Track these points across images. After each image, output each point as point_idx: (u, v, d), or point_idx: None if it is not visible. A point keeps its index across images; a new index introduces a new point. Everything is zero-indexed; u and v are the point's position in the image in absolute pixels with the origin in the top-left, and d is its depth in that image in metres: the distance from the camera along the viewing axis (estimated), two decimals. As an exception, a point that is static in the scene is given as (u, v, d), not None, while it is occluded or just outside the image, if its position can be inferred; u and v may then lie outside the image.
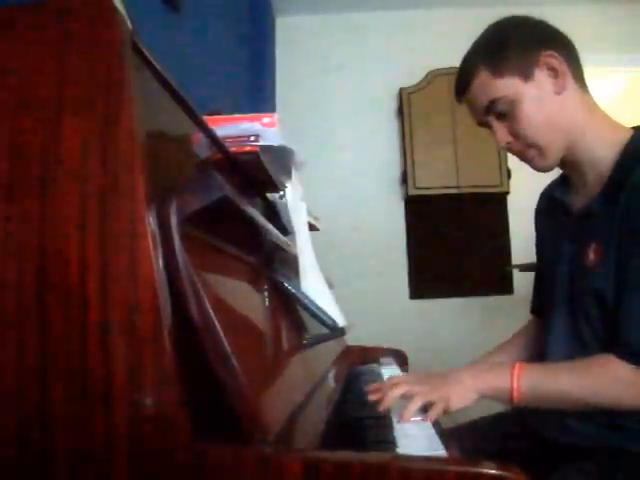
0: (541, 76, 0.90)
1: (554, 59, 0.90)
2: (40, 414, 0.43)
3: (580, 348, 0.92)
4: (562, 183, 1.04)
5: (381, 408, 0.83)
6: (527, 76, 0.90)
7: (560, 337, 0.96)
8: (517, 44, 0.91)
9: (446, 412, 0.82)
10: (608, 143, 0.91)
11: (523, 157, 0.96)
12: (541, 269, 1.13)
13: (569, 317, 0.94)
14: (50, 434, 0.43)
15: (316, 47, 3.31)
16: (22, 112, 0.47)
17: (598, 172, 0.91)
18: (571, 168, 0.97)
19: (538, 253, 1.14)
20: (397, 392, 0.84)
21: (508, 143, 0.95)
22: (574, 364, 0.87)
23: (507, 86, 0.90)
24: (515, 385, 0.83)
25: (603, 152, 0.91)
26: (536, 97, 0.90)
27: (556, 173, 1.08)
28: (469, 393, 0.84)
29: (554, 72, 0.90)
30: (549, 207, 1.08)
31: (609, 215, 0.86)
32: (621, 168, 0.87)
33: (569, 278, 0.96)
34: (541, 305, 1.13)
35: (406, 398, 0.83)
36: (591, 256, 0.89)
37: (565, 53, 0.92)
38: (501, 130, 0.94)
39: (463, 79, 0.96)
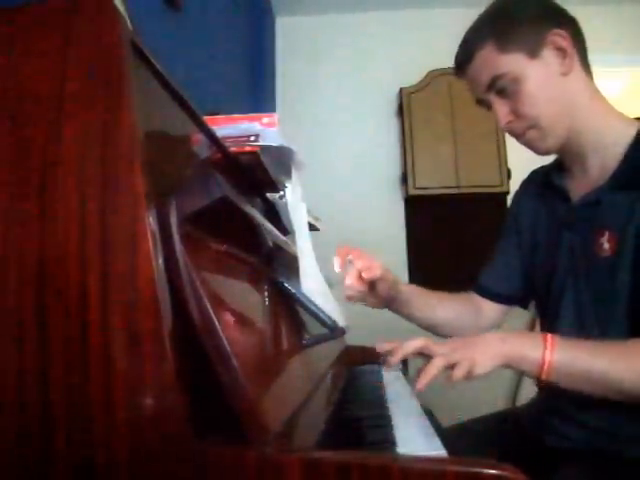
0: (548, 55, 0.87)
1: (563, 39, 0.87)
2: (40, 415, 0.43)
3: (583, 335, 0.89)
4: (558, 169, 1.00)
5: (392, 360, 0.74)
6: (533, 53, 0.87)
7: (569, 324, 0.93)
8: (526, 20, 0.88)
9: (469, 377, 0.72)
10: (615, 131, 0.88)
11: (522, 139, 0.93)
12: (527, 254, 1.07)
13: (575, 306, 0.92)
14: (50, 435, 0.43)
15: (316, 47, 3.31)
16: (22, 112, 0.47)
17: (603, 160, 0.89)
18: (571, 154, 0.94)
19: (518, 235, 1.09)
20: (413, 345, 0.75)
21: (508, 122, 0.91)
22: (615, 344, 0.78)
23: (512, 62, 0.87)
24: (548, 357, 0.74)
25: (609, 139, 0.88)
26: (541, 76, 0.87)
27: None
28: (495, 357, 0.74)
29: (562, 52, 0.87)
30: (543, 192, 1.04)
31: (625, 202, 0.84)
32: (637, 154, 0.85)
33: (570, 267, 0.93)
34: (525, 291, 1.10)
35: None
36: (605, 245, 0.85)
37: (573, 35, 0.89)
38: (502, 108, 0.90)
39: (467, 51, 0.92)
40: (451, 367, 0.72)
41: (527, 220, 1.08)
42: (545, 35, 0.87)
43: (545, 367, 0.74)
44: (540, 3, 0.92)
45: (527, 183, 1.12)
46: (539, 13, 0.90)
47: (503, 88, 0.89)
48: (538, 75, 0.87)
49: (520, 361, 0.76)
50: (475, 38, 0.91)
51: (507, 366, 0.76)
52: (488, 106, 0.94)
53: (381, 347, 0.77)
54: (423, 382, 0.70)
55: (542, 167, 1.08)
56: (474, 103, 0.98)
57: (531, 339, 0.78)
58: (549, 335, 0.77)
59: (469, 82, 0.95)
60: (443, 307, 1.16)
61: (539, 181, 1.06)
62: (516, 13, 0.90)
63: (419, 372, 0.72)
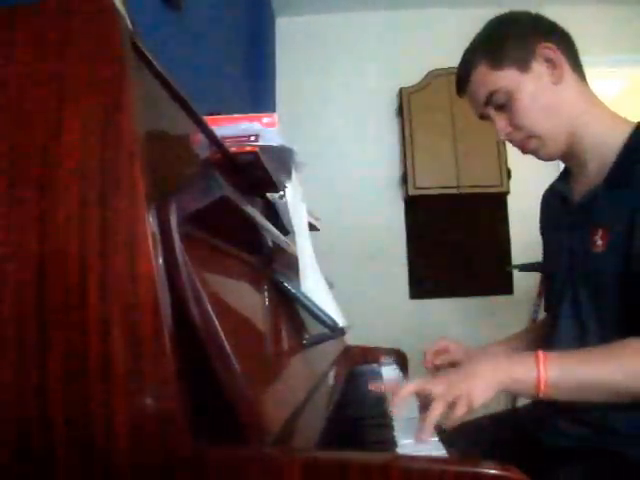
0: (538, 67, 0.92)
1: (551, 51, 0.92)
2: (40, 414, 0.43)
3: (582, 331, 0.91)
4: (563, 176, 1.06)
5: (391, 408, 0.77)
6: (524, 68, 0.92)
7: (567, 323, 0.95)
8: (515, 37, 0.94)
9: (469, 411, 0.74)
10: (611, 132, 0.92)
11: (524, 148, 0.98)
12: (548, 264, 1.11)
13: (573, 302, 0.94)
14: (50, 434, 0.43)
15: (316, 47, 3.32)
16: (22, 112, 0.47)
17: (601, 160, 0.92)
18: (572, 157, 0.98)
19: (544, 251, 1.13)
20: (410, 389, 0.78)
21: (508, 134, 0.97)
22: (604, 349, 0.79)
23: (505, 78, 0.93)
24: (542, 375, 0.75)
25: (607, 141, 0.91)
26: (533, 88, 0.92)
27: (556, 171, 1.09)
28: (490, 386, 0.75)
29: (551, 63, 0.92)
30: (549, 201, 1.10)
31: (615, 200, 0.87)
32: (629, 154, 0.88)
33: (569, 265, 0.95)
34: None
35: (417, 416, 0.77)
36: (598, 242, 0.88)
37: (562, 45, 0.94)
38: (501, 121, 0.96)
39: (463, 73, 0.98)
40: (450, 405, 0.73)
41: (545, 234, 1.13)
42: (534, 49, 0.92)
43: (541, 385, 0.75)
44: (527, 20, 0.97)
45: (541, 204, 1.16)
46: (527, 29, 0.95)
47: (500, 102, 0.95)
48: (530, 87, 0.92)
49: (516, 384, 0.77)
50: (470, 58, 0.97)
51: (504, 391, 0.77)
52: (490, 120, 0.99)
53: (376, 387, 0.81)
54: (428, 431, 0.71)
55: (552, 183, 1.13)
56: (477, 119, 1.03)
57: (523, 360, 0.79)
58: (540, 352, 0.78)
59: (469, 100, 1.01)
60: (516, 348, 1.18)
61: (548, 195, 1.12)
62: (506, 31, 0.96)
63: (421, 419, 0.73)
